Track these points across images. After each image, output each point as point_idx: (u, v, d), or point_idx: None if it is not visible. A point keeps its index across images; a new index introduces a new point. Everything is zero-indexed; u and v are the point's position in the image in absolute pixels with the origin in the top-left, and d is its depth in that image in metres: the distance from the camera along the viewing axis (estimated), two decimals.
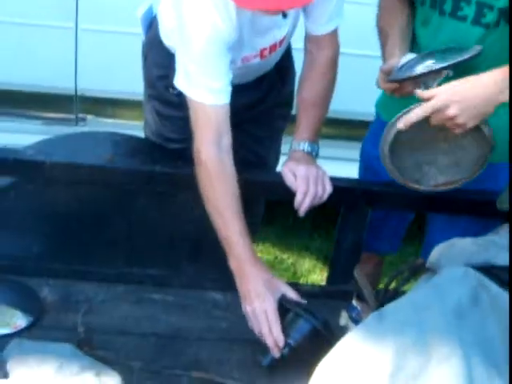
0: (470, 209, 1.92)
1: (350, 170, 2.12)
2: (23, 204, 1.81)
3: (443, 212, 1.98)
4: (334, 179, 1.84)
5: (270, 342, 1.59)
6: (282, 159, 1.96)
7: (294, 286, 1.89)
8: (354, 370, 1.26)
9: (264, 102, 2.05)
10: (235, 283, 1.89)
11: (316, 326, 1.57)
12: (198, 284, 1.88)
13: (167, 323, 1.74)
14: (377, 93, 1.95)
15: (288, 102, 2.15)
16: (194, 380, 1.56)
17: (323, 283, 3.26)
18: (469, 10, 1.70)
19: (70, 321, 1.68)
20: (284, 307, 1.63)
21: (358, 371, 1.26)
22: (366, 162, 2.09)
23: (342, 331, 1.66)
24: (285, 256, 3.46)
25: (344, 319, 1.68)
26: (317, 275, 3.31)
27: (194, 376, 1.57)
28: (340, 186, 1.86)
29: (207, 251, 1.88)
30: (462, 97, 1.59)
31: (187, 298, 1.83)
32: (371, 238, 2.02)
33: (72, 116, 2.91)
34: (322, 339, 1.55)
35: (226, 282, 1.90)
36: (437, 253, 1.59)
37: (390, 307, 1.39)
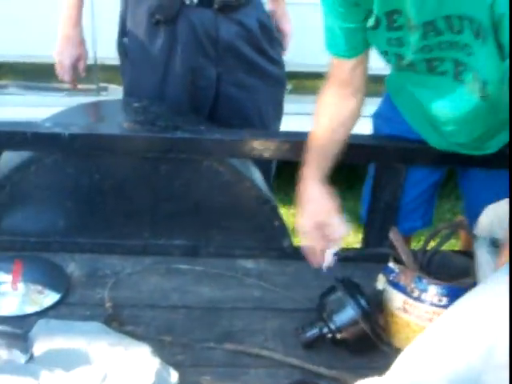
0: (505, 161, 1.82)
1: None
2: (44, 179, 1.75)
3: (478, 166, 1.88)
4: (364, 137, 1.76)
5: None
6: None
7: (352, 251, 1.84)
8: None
9: None
10: (266, 250, 1.83)
11: (361, 317, 1.48)
12: (228, 253, 1.82)
13: (197, 294, 1.68)
14: None
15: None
16: (227, 352, 1.50)
17: (358, 246, 3.21)
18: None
19: (96, 296, 1.63)
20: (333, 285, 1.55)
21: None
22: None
23: (379, 295, 1.60)
24: None
25: (381, 282, 1.60)
26: (352, 238, 3.23)
27: (227, 348, 1.51)
28: (371, 145, 1.77)
29: (236, 218, 1.81)
30: None
31: (217, 267, 1.77)
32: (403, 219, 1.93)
33: (93, 86, 2.86)
34: (364, 330, 1.48)
35: (257, 249, 1.84)
36: (488, 217, 1.49)
37: None
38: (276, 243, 1.85)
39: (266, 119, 2.22)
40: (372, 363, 1.50)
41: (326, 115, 1.64)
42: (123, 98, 2.16)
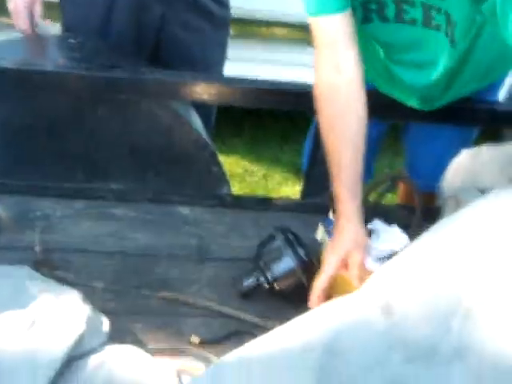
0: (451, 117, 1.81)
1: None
2: None
3: (423, 121, 1.86)
4: (307, 86, 1.71)
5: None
6: None
7: (268, 200, 1.79)
8: None
9: None
10: (204, 197, 1.78)
11: (299, 268, 1.45)
12: (164, 199, 1.76)
13: (132, 241, 1.63)
14: None
15: None
16: (162, 301, 1.46)
17: (296, 197, 3.20)
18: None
19: (26, 240, 1.56)
20: (271, 234, 1.51)
21: None
22: None
23: (318, 246, 1.58)
24: (255, 168, 3.36)
25: (320, 234, 1.59)
26: (289, 188, 3.22)
27: (161, 296, 1.46)
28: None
29: (173, 163, 1.76)
30: None
31: (152, 213, 1.72)
32: None
33: None
34: (301, 280, 1.45)
35: (194, 196, 1.80)
36: (457, 174, 1.48)
37: None
38: (214, 191, 1.80)
39: (209, 62, 2.16)
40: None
41: (347, 142, 1.46)
42: (60, 34, 2.06)
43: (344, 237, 1.44)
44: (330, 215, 1.54)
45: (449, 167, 1.64)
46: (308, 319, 1.11)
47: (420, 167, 1.98)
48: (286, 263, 1.45)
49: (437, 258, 1.11)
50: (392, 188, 1.61)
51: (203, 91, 1.66)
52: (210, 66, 2.17)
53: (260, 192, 3.14)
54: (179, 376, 1.14)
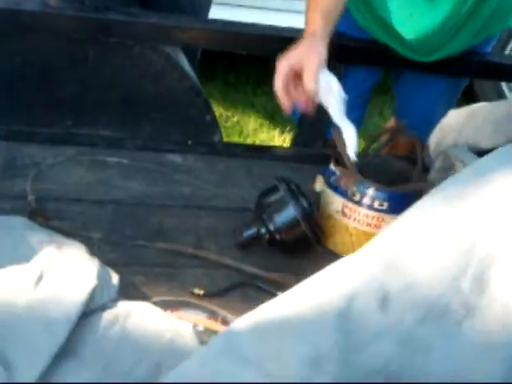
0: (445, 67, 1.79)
1: None
2: None
3: (416, 69, 1.84)
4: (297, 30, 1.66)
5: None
6: None
7: (259, 148, 1.77)
8: None
9: None
10: (196, 146, 1.75)
11: (302, 218, 1.42)
12: (155, 146, 1.72)
13: (125, 189, 1.59)
14: None
15: None
16: (160, 251, 1.43)
17: (271, 142, 3.17)
18: None
19: (17, 188, 1.51)
20: (274, 184, 1.47)
21: None
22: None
23: (317, 196, 1.56)
24: (229, 113, 3.32)
25: (319, 184, 1.56)
26: (264, 134, 3.19)
27: (159, 247, 1.44)
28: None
29: (166, 110, 1.71)
30: None
31: (144, 161, 1.67)
32: None
33: None
34: (304, 231, 1.43)
35: (186, 143, 1.76)
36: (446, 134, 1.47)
37: None
38: (206, 138, 1.77)
39: (197, 7, 2.09)
40: (309, 265, 1.47)
41: None
42: None
43: (302, 46, 1.42)
44: (332, 166, 1.52)
45: (437, 126, 1.63)
46: (319, 282, 1.09)
47: (409, 117, 1.96)
48: (290, 214, 1.43)
49: (445, 216, 1.10)
50: (391, 141, 1.60)
51: (201, 36, 1.61)
52: (198, 12, 2.11)
53: (235, 138, 3.11)
54: (195, 329, 1.12)
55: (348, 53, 1.75)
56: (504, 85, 3.76)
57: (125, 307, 1.10)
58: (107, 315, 1.07)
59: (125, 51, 1.60)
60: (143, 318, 1.09)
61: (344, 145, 1.52)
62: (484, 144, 1.55)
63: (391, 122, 2.25)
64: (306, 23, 1.49)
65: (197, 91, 1.71)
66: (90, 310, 1.08)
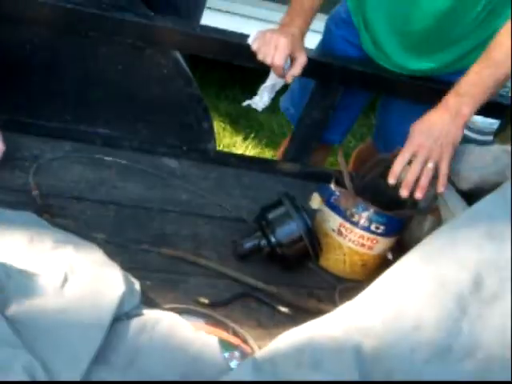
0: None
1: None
2: None
3: (408, 96, 1.90)
4: (309, 51, 1.71)
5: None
6: None
7: (248, 159, 1.79)
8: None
9: None
10: (190, 153, 1.77)
11: (304, 233, 1.47)
12: (150, 149, 1.73)
13: (124, 191, 1.59)
14: None
15: None
16: (163, 257, 1.44)
17: (234, 148, 3.19)
18: None
19: (18, 181, 1.49)
20: (278, 199, 1.51)
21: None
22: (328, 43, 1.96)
23: (315, 214, 1.60)
24: None
25: (316, 202, 1.60)
26: (227, 139, 3.20)
27: (162, 252, 1.45)
28: (315, 59, 1.73)
29: (165, 114, 1.72)
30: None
31: (140, 163, 1.68)
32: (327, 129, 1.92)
33: None
34: (305, 246, 1.47)
35: (180, 148, 1.77)
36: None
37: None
38: (201, 145, 1.78)
39: (191, 8, 2.10)
40: (304, 279, 1.52)
41: None
42: None
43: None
44: (332, 185, 1.56)
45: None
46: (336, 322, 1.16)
47: (388, 140, 2.03)
48: (293, 228, 1.47)
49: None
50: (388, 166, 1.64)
51: (212, 45, 1.61)
52: (193, 13, 2.12)
53: None
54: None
55: (350, 77, 1.80)
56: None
57: (152, 315, 1.11)
58: (135, 323, 1.08)
59: (135, 52, 1.60)
60: (170, 328, 1.10)
61: (345, 166, 1.57)
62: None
63: (368, 143, 2.32)
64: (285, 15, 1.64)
65: (198, 98, 1.72)
66: (117, 316, 1.09)
